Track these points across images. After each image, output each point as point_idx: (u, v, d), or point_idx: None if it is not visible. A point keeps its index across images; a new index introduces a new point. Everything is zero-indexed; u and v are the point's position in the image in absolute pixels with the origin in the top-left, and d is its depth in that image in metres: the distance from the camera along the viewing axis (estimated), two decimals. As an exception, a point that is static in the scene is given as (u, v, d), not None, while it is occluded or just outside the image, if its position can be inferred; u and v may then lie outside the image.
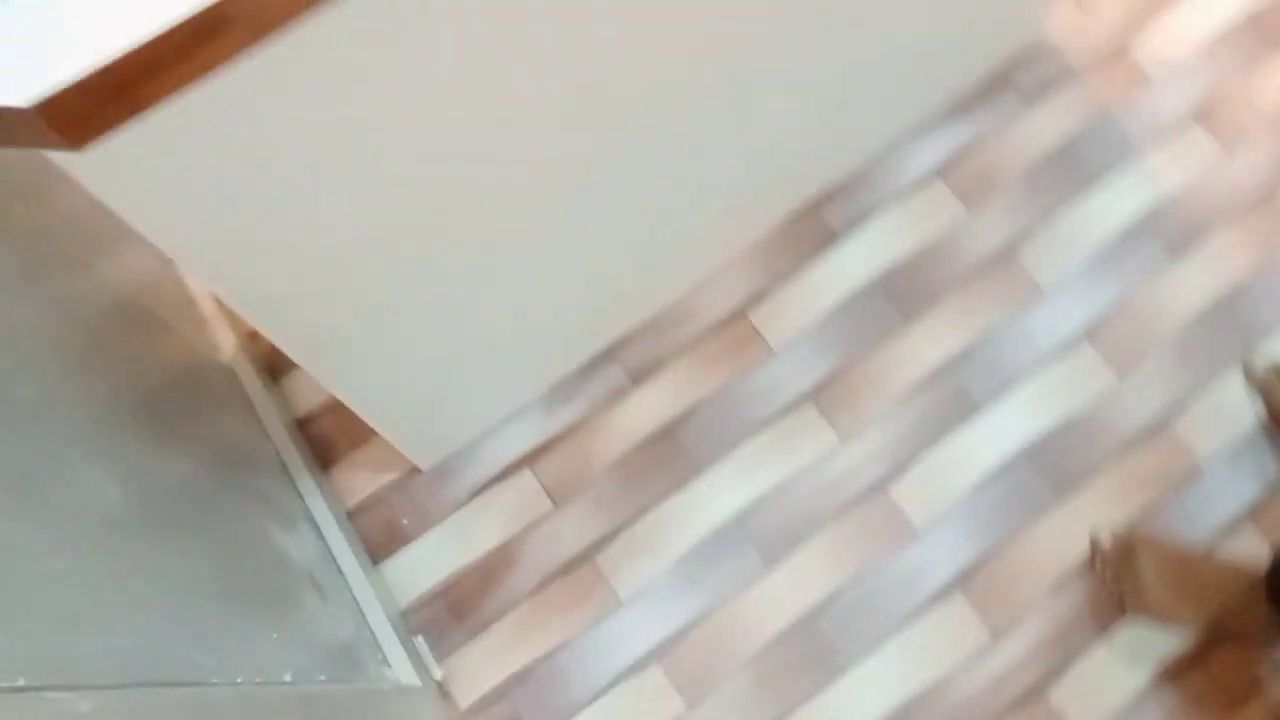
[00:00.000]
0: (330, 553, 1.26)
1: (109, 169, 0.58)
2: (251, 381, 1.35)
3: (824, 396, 1.45)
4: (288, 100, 0.63)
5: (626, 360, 1.48)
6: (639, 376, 1.47)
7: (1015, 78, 1.60)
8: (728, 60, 1.04)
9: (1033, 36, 1.61)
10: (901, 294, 1.50)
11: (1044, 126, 1.57)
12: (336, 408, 1.44)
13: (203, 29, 0.48)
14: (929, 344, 1.47)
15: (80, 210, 1.11)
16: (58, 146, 0.51)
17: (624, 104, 0.96)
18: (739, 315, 1.50)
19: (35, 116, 0.47)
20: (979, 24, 1.43)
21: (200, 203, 0.67)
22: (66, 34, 0.48)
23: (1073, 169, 1.55)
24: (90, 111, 0.49)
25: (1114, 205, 1.53)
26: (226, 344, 1.36)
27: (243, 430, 1.25)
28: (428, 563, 1.37)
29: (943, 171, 1.56)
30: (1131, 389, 1.44)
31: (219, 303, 1.40)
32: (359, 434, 1.42)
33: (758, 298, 1.51)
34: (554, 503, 1.40)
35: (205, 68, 0.52)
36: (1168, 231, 1.51)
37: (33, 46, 0.48)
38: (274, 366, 1.45)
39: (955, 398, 1.44)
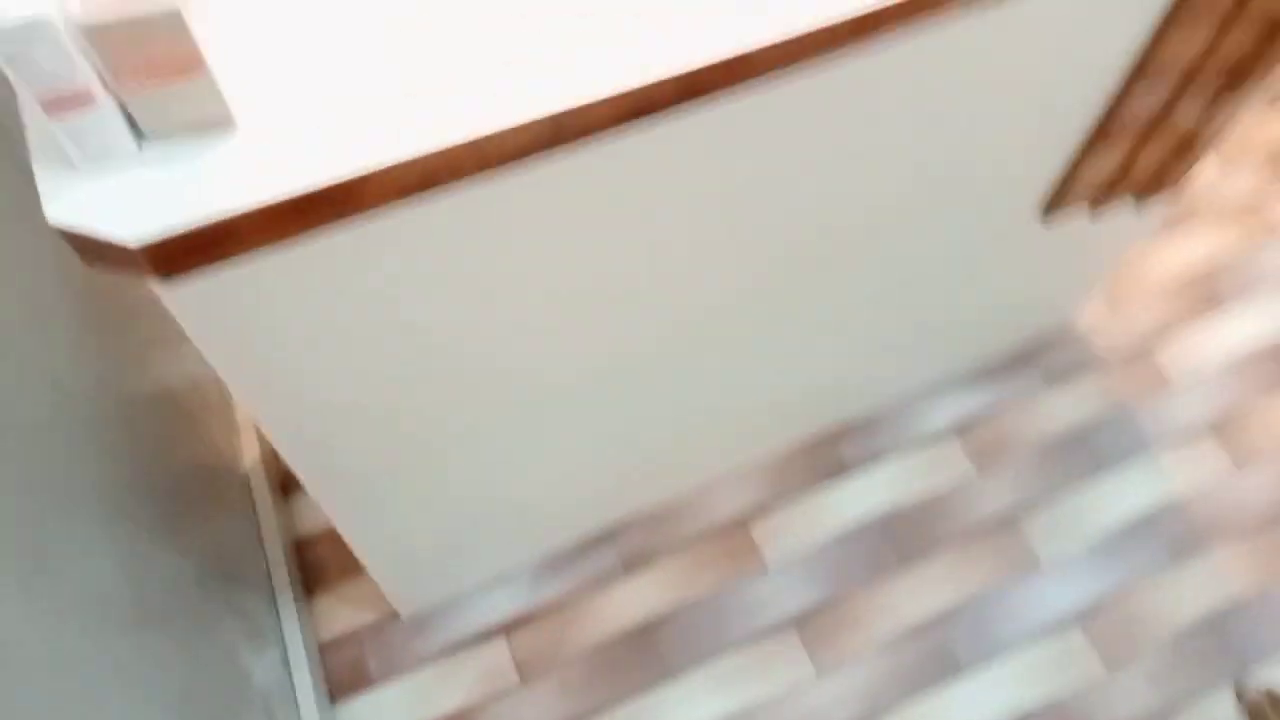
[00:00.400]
0: (291, 682, 1.26)
1: (188, 299, 0.66)
2: (263, 495, 1.40)
3: (808, 626, 1.45)
4: (348, 274, 0.72)
5: (623, 546, 1.50)
6: (631, 565, 1.49)
7: (1041, 357, 1.68)
8: (768, 303, 1.12)
9: (1063, 323, 1.69)
10: (902, 539, 1.52)
11: (1062, 408, 1.63)
12: (334, 537, 1.47)
13: (292, 209, 0.57)
14: (921, 595, 1.47)
15: (151, 307, 1.20)
16: (152, 278, 0.59)
17: (660, 327, 1.04)
18: (741, 525, 1.53)
19: (140, 255, 0.55)
20: (1014, 304, 1.52)
21: (256, 340, 0.74)
22: (179, 191, 0.56)
23: (1085, 453, 1.59)
24: (183, 258, 0.57)
25: (1121, 496, 1.56)
26: (249, 454, 1.42)
27: (242, 541, 1.29)
28: (384, 713, 1.36)
29: (959, 430, 1.61)
30: (1119, 685, 1.41)
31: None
32: (349, 567, 1.45)
33: (762, 511, 1.54)
34: (521, 678, 1.39)
35: (287, 237, 0.60)
36: (1172, 534, 1.53)
37: (152, 195, 0.56)
38: (286, 485, 1.50)
39: (938, 655, 1.43)
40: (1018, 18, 0.86)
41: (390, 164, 0.57)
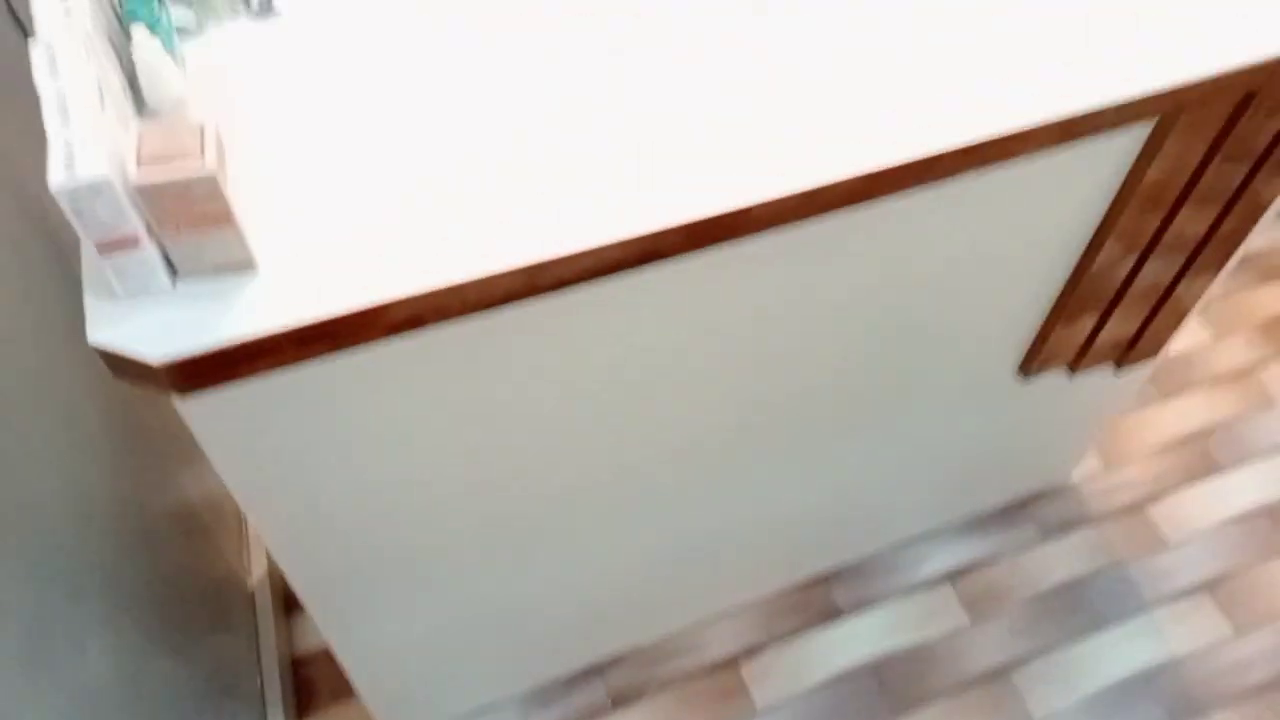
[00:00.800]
0: (271, 799, 1.27)
1: (201, 412, 0.75)
2: (265, 611, 1.45)
3: (794, 773, 1.44)
4: (342, 400, 0.80)
5: (612, 681, 1.51)
6: (620, 700, 1.50)
7: (1035, 510, 1.71)
8: (755, 453, 1.19)
9: (1056, 476, 1.73)
10: (893, 686, 1.52)
11: (1057, 561, 1.65)
12: (330, 659, 1.51)
13: (293, 339, 0.66)
14: (911, 747, 1.46)
15: (175, 423, 1.30)
16: (172, 392, 0.68)
17: (650, 470, 1.11)
18: (731, 664, 1.54)
19: (160, 372, 0.64)
20: (1003, 459, 1.57)
21: (260, 454, 0.82)
22: (202, 320, 0.66)
23: (1080, 609, 1.60)
24: (197, 376, 0.66)
25: (1116, 654, 1.55)
26: (257, 570, 1.48)
27: (240, 654, 1.33)
28: (360, 837, 1.36)
29: (953, 578, 1.63)
30: None
31: (266, 530, 1.54)
32: (341, 690, 1.48)
33: (753, 652, 1.55)
34: (501, 810, 1.39)
35: (289, 362, 0.69)
36: (1168, 696, 1.51)
37: (180, 323, 0.66)
38: (289, 603, 1.55)
39: (926, 811, 1.41)
40: (978, 190, 0.96)
41: (380, 304, 0.67)
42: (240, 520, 1.52)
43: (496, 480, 1.01)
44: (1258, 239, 2.08)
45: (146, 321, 0.66)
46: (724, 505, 1.30)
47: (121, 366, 0.65)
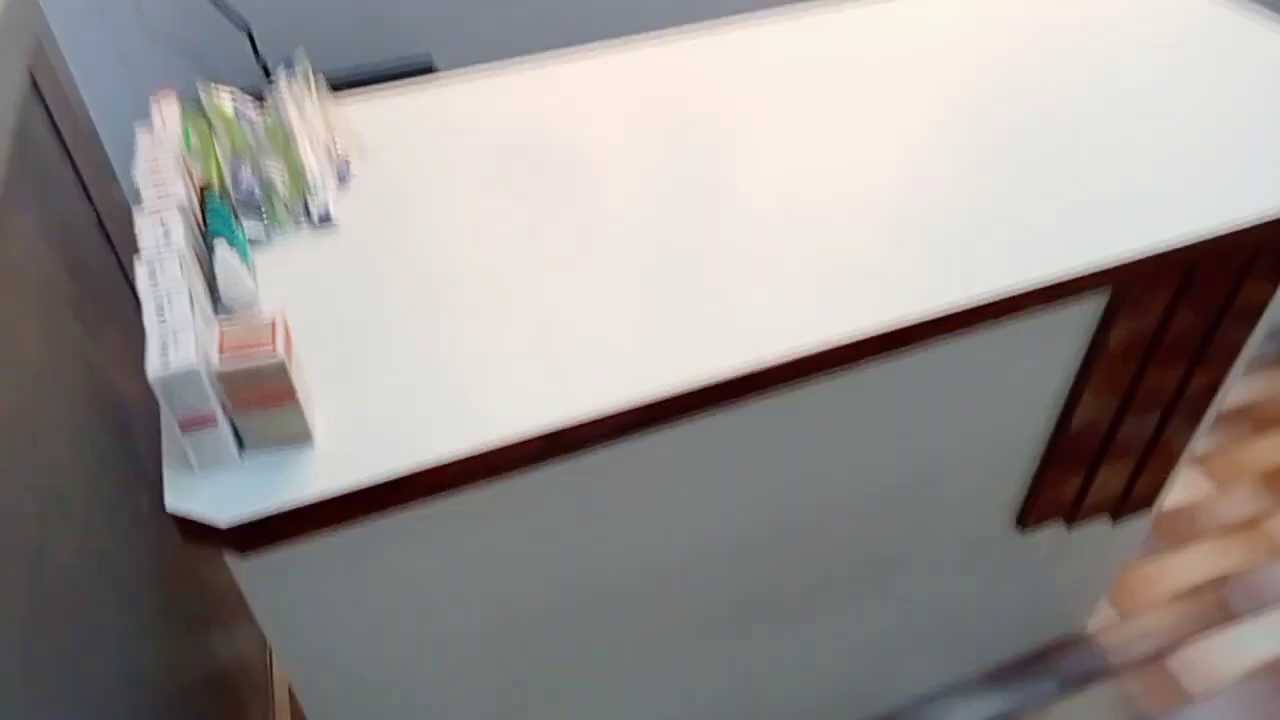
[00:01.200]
0: None
1: (256, 572, 0.84)
2: (292, 779, 1.46)
3: None
4: (384, 560, 0.89)
5: None
6: None
7: (1054, 661, 1.71)
8: (768, 609, 1.24)
9: (1073, 628, 1.74)
10: None
11: (1079, 717, 1.64)
12: (356, 826, 1.51)
13: (341, 503, 0.76)
14: None
15: (219, 583, 1.37)
16: (233, 553, 0.77)
17: (674, 625, 1.16)
18: (756, 834, 1.52)
19: (227, 534, 0.73)
20: (1016, 612, 1.59)
21: (305, 613, 0.90)
22: (265, 488, 0.76)
23: (1108, 766, 1.58)
24: (258, 537, 0.75)
25: (1149, 815, 1.52)
26: (285, 738, 1.50)
27: (266, 823, 1.34)
28: None
29: (976, 737, 1.62)
30: None
31: (291, 697, 1.57)
32: None
33: (778, 821, 1.53)
34: None
35: (337, 523, 0.78)
36: None
37: (245, 490, 0.75)
38: (317, 770, 1.56)
39: None
40: (960, 353, 1.06)
41: (413, 470, 0.77)
42: (268, 686, 1.55)
43: (525, 643, 1.07)
44: (1249, 390, 2.16)
45: (216, 490, 0.76)
46: (741, 666, 1.33)
47: (191, 530, 0.74)
